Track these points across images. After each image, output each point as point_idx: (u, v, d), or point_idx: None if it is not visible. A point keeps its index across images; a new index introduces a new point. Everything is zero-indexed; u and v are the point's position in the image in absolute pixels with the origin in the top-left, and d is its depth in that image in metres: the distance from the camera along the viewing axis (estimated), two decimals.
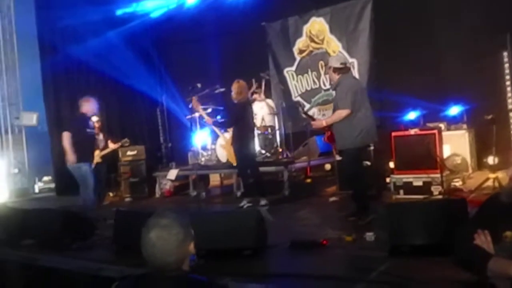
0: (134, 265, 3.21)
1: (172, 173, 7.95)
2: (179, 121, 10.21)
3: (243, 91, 6.41)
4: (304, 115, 6.25)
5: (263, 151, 7.79)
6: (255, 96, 8.17)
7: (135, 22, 10.90)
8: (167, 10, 11.11)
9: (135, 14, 10.98)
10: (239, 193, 7.32)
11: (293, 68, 9.72)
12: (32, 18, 9.99)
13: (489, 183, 5.86)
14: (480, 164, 7.23)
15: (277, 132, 8.35)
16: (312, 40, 9.40)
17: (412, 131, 6.03)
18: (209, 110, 8.31)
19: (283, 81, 9.81)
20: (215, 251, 3.68)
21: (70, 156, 6.08)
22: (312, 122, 5.58)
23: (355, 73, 8.70)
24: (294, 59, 9.68)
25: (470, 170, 7.05)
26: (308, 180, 7.95)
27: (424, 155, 5.82)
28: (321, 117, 9.04)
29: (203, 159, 8.34)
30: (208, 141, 8.51)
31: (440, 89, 7.49)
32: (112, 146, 6.86)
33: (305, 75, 9.56)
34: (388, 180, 6.23)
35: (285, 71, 9.81)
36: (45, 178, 10.70)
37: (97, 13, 10.07)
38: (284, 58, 9.79)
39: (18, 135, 10.48)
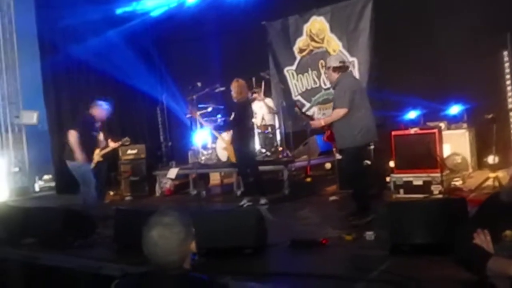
0: (135, 263, 3.22)
1: (172, 172, 7.95)
2: (179, 120, 10.22)
3: (243, 90, 6.41)
4: (301, 115, 6.25)
5: (263, 150, 7.80)
6: (255, 95, 8.17)
7: (136, 21, 10.90)
8: (168, 9, 11.11)
9: (135, 13, 10.98)
10: (239, 192, 7.33)
11: (293, 67, 9.72)
12: (32, 17, 9.99)
13: (489, 182, 5.87)
14: (480, 164, 7.23)
15: (277, 131, 8.36)
16: (313, 39, 9.40)
17: (412, 130, 6.04)
18: (209, 109, 8.34)
19: (283, 80, 9.81)
20: (215, 250, 3.69)
21: (79, 155, 6.12)
22: (311, 122, 5.58)
23: (356, 72, 8.70)
24: (295, 58, 9.67)
25: (470, 170, 7.06)
26: (308, 179, 7.96)
27: (424, 154, 5.83)
28: (322, 116, 9.05)
29: (203, 158, 8.34)
30: (208, 140, 8.52)
31: (441, 88, 7.49)
32: (112, 145, 6.87)
33: (305, 74, 9.56)
34: (388, 179, 6.23)
35: (285, 70, 9.81)
36: (46, 177, 10.70)
37: (97, 12, 10.08)
38: (285, 57, 9.79)
39: (19, 134, 10.48)
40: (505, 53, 6.88)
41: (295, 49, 9.64)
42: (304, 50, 9.56)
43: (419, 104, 7.17)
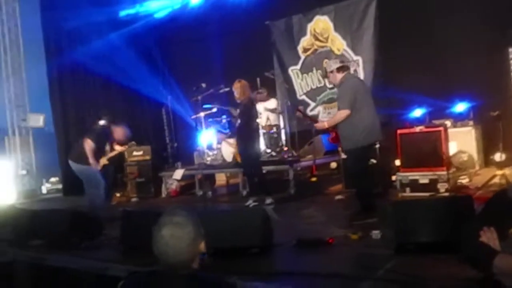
0: (141, 264, 3.24)
1: (178, 173, 7.97)
2: (184, 121, 10.24)
3: (246, 90, 6.42)
4: (304, 119, 6.22)
5: (269, 150, 7.80)
6: (259, 95, 8.18)
7: (140, 23, 10.95)
8: (171, 11, 11.14)
9: (139, 15, 11.03)
10: (245, 192, 7.33)
11: (298, 66, 9.72)
12: (38, 20, 10.06)
13: (496, 180, 5.84)
14: (487, 161, 7.19)
15: (282, 131, 8.36)
16: (317, 39, 9.39)
17: (418, 129, 6.00)
18: (214, 110, 8.35)
19: (287, 80, 9.81)
20: (221, 250, 3.69)
21: (93, 162, 6.25)
22: (315, 125, 5.58)
23: (360, 70, 8.70)
24: (299, 57, 9.67)
25: (477, 167, 7.01)
26: (314, 179, 7.96)
27: (430, 153, 5.80)
28: (327, 115, 9.05)
29: (208, 158, 8.36)
30: (214, 141, 8.54)
31: (446, 86, 7.46)
32: (118, 148, 6.92)
33: (310, 73, 9.55)
34: (394, 178, 6.21)
35: (289, 70, 9.81)
36: (52, 179, 10.78)
37: (102, 14, 10.14)
38: (289, 56, 9.78)
39: (26, 137, 10.56)
40: (510, 49, 6.84)
41: (299, 48, 9.63)
42: (309, 49, 9.55)
43: (425, 102, 7.14)
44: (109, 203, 7.12)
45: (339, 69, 5.11)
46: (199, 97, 8.28)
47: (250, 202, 6.32)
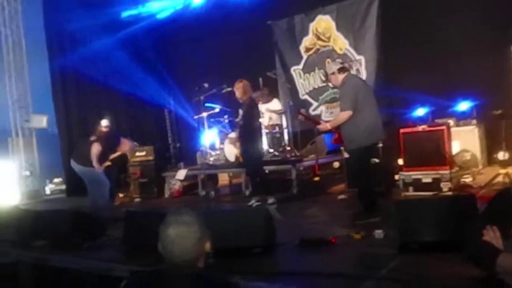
0: (144, 264, 3.24)
1: (181, 173, 7.98)
2: (187, 121, 10.26)
3: (248, 90, 6.43)
4: (307, 121, 6.20)
5: (271, 150, 7.80)
6: (261, 95, 8.18)
7: (142, 23, 10.97)
8: (174, 11, 11.16)
9: (141, 16, 11.05)
10: (247, 192, 7.34)
11: (300, 66, 9.71)
12: (40, 21, 10.09)
13: (500, 178, 5.83)
14: (490, 160, 7.17)
15: (285, 131, 8.35)
16: (319, 38, 9.38)
17: (421, 128, 5.99)
18: (217, 110, 8.36)
19: (290, 79, 9.80)
20: (224, 250, 3.69)
21: (98, 166, 6.30)
22: (318, 126, 5.58)
23: (363, 70, 8.68)
24: (301, 57, 9.66)
25: (480, 166, 7.00)
26: (316, 178, 7.95)
27: (433, 152, 5.79)
28: (329, 115, 9.04)
29: (211, 158, 8.36)
30: (216, 141, 8.54)
31: (448, 84, 7.44)
32: (117, 152, 6.94)
33: (312, 73, 9.54)
34: (397, 177, 6.19)
35: (292, 69, 9.80)
36: (56, 180, 10.81)
37: (104, 15, 10.15)
38: (291, 56, 9.77)
39: (29, 138, 10.59)
40: None
41: (302, 48, 9.62)
42: (311, 49, 9.54)
43: (427, 101, 7.12)
44: (112, 203, 7.14)
45: (340, 70, 5.12)
46: (202, 97, 8.28)
47: (253, 202, 6.33)
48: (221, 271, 2.94)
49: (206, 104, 8.27)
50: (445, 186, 5.62)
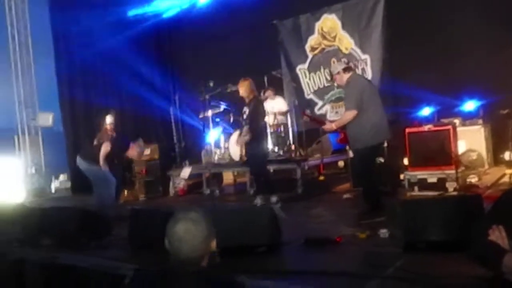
0: (150, 263, 3.25)
1: (186, 172, 8.00)
2: (192, 120, 10.28)
3: (253, 88, 6.44)
4: (311, 122, 6.18)
5: (276, 149, 7.80)
6: (267, 94, 8.18)
7: (148, 23, 11.00)
8: (180, 10, 11.18)
9: (147, 15, 11.08)
10: (252, 191, 7.34)
11: (305, 65, 9.70)
12: (47, 21, 10.15)
13: (506, 179, 5.81)
14: (496, 160, 7.14)
15: (290, 130, 8.35)
16: (324, 38, 9.37)
17: (426, 127, 5.98)
18: (222, 109, 8.37)
19: (295, 79, 9.80)
20: (229, 249, 3.70)
21: (104, 165, 6.28)
22: (323, 126, 5.58)
23: (368, 69, 8.67)
24: (306, 56, 9.66)
25: (486, 166, 6.96)
26: (321, 178, 7.95)
27: (439, 151, 5.77)
28: (334, 114, 9.04)
29: (216, 157, 8.38)
30: (221, 140, 8.55)
31: (455, 84, 7.41)
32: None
33: (318, 72, 9.54)
34: (402, 176, 6.18)
35: (297, 69, 9.80)
36: (61, 178, 10.86)
37: (110, 14, 10.20)
38: (296, 55, 9.77)
39: (35, 136, 10.66)
40: None
41: (307, 47, 9.62)
42: (316, 48, 9.54)
43: (433, 100, 7.10)
44: (118, 202, 7.17)
45: (345, 70, 5.11)
46: (207, 96, 8.31)
47: (258, 201, 6.33)
48: (227, 270, 2.95)
49: (212, 104, 8.29)
50: (450, 186, 5.60)
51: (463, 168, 6.18)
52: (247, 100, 6.46)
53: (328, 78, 9.31)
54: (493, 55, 7.03)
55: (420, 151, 5.94)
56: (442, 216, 3.42)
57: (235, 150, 7.87)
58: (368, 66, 8.67)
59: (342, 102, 7.35)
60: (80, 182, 8.74)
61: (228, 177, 9.27)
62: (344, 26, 9.05)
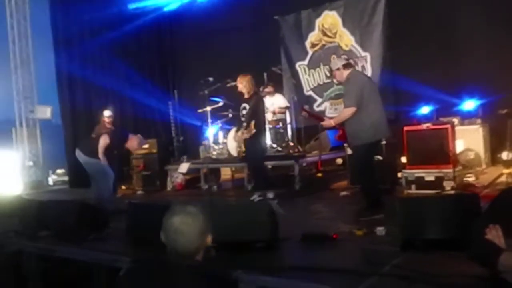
0: (147, 256, 3.25)
1: (184, 167, 8.00)
2: (191, 115, 10.27)
3: (252, 84, 6.44)
4: (310, 118, 6.18)
5: (274, 145, 7.81)
6: (266, 90, 8.17)
7: (148, 16, 10.97)
8: (180, 4, 11.15)
9: (148, 9, 11.04)
10: (250, 187, 7.35)
11: (305, 62, 9.70)
12: (46, 12, 10.10)
13: (503, 178, 5.83)
14: (494, 160, 7.16)
15: (289, 126, 8.36)
16: (325, 34, 9.36)
17: (425, 126, 5.99)
18: (221, 104, 8.36)
19: (295, 75, 9.79)
20: (227, 244, 3.71)
21: (103, 158, 6.29)
22: (322, 123, 5.58)
23: (368, 67, 8.67)
24: (307, 53, 9.65)
25: (484, 165, 6.99)
26: (319, 174, 7.97)
27: (437, 150, 5.79)
28: (333, 111, 9.04)
29: (214, 152, 8.38)
30: (220, 135, 8.55)
31: (454, 83, 7.43)
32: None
33: (317, 69, 9.54)
34: (400, 175, 6.20)
35: (297, 65, 9.79)
36: (59, 171, 10.85)
37: (110, 7, 10.16)
38: (296, 52, 9.76)
39: (33, 129, 10.63)
40: None
41: (307, 43, 9.61)
42: (316, 44, 9.53)
43: (432, 99, 7.11)
44: (115, 195, 7.18)
45: (345, 66, 5.09)
46: (206, 91, 8.30)
47: (255, 197, 6.33)
48: (224, 265, 2.96)
49: (210, 98, 8.28)
50: (448, 185, 5.62)
51: (460, 167, 6.20)
52: (246, 96, 6.46)
53: (328, 74, 9.31)
54: (493, 55, 7.04)
55: (418, 149, 5.95)
56: (440, 215, 3.43)
57: (233, 146, 7.86)
58: (368, 64, 8.67)
59: (341, 99, 7.36)
60: (77, 175, 8.76)
61: (226, 172, 9.28)
62: (344, 23, 9.04)
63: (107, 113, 7.52)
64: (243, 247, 3.75)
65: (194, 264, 1.97)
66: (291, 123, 8.46)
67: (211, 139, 8.54)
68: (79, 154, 6.47)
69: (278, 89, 8.90)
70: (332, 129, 5.99)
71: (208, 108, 8.27)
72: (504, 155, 6.12)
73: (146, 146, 8.71)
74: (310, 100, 9.56)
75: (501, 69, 6.99)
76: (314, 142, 8.47)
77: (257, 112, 6.37)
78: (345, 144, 6.51)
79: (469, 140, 6.98)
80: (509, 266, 2.17)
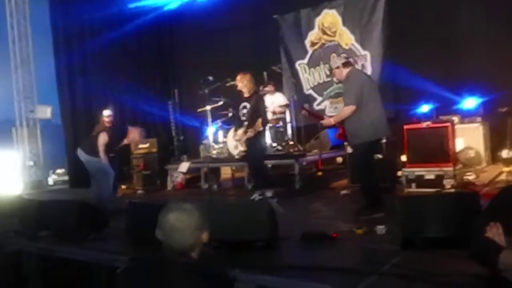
0: (146, 255, 3.24)
1: (184, 166, 7.99)
2: (191, 115, 10.26)
3: (252, 83, 6.44)
4: (310, 117, 6.16)
5: (274, 144, 7.80)
6: (267, 89, 8.17)
7: (148, 16, 10.96)
8: (180, 4, 11.14)
9: (148, 8, 11.03)
10: (250, 186, 7.34)
11: (305, 61, 9.69)
12: (47, 12, 10.08)
13: (503, 176, 5.82)
14: (494, 158, 7.16)
15: (289, 125, 8.35)
16: (324, 33, 9.35)
17: (425, 124, 5.99)
18: (221, 103, 8.36)
19: (295, 74, 9.78)
20: (226, 243, 3.71)
21: (104, 157, 6.29)
22: (322, 121, 5.57)
23: (368, 65, 8.66)
24: (306, 51, 9.64)
25: (484, 164, 6.99)
26: (319, 173, 7.97)
27: (437, 148, 5.78)
28: (333, 110, 9.03)
29: (214, 152, 8.37)
30: (220, 134, 8.55)
31: (454, 81, 7.42)
32: (125, 141, 6.96)
33: (317, 68, 9.53)
34: (400, 173, 6.19)
35: (297, 64, 9.78)
36: (59, 171, 10.85)
37: (110, 6, 10.15)
38: (296, 50, 9.75)
39: (33, 128, 10.62)
40: None
41: (307, 42, 9.60)
42: (316, 43, 9.52)
43: (432, 97, 7.11)
44: (115, 194, 7.18)
45: (344, 65, 5.09)
46: (206, 90, 8.29)
47: (256, 196, 6.33)
48: (223, 264, 2.96)
49: (210, 97, 8.27)
50: (448, 183, 5.62)
51: (460, 165, 6.20)
52: (247, 95, 6.45)
53: (328, 73, 9.30)
54: (493, 53, 7.03)
55: (418, 148, 5.95)
56: (440, 213, 3.43)
57: (233, 145, 7.86)
58: (368, 62, 8.66)
59: (341, 98, 7.36)
60: (77, 175, 8.76)
61: (226, 171, 9.28)
62: (344, 22, 9.03)
63: (106, 112, 7.50)
64: (243, 246, 3.75)
65: (190, 262, 1.97)
66: (291, 122, 8.46)
67: (211, 138, 8.53)
68: (80, 153, 6.48)
69: (278, 88, 8.89)
70: (332, 127, 5.98)
71: (208, 107, 8.26)
72: (504, 153, 6.12)
73: (146, 145, 8.73)
74: (310, 99, 9.55)
75: (501, 67, 6.98)
76: (314, 141, 8.47)
77: (259, 110, 6.36)
78: (345, 143, 6.51)
79: (469, 138, 6.98)
80: (510, 264, 2.16)
